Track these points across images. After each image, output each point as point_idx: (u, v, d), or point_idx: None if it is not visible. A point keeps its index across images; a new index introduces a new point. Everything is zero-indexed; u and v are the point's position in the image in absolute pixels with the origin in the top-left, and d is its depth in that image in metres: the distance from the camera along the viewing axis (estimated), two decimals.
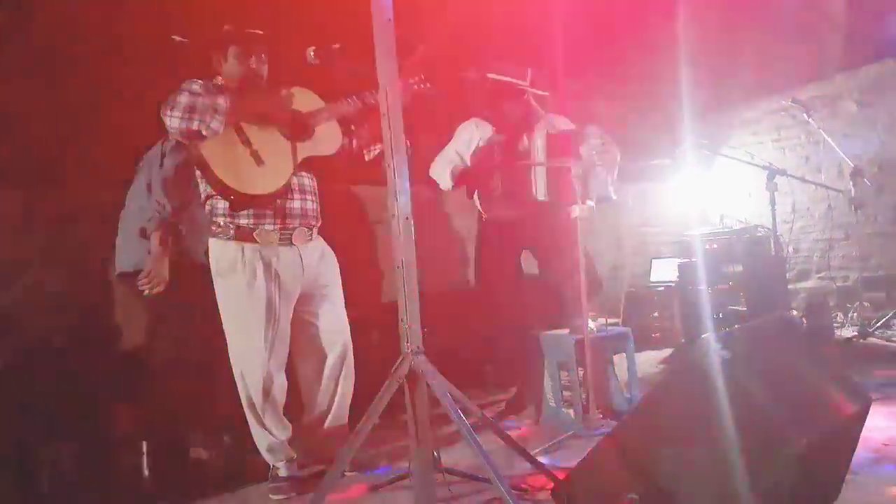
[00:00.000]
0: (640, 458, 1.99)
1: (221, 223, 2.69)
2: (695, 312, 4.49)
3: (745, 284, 4.42)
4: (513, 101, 3.56)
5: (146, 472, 2.85)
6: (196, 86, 2.59)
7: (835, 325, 4.98)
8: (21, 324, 3.25)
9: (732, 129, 6.50)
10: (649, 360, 4.59)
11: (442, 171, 3.64)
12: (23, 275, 3.31)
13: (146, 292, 2.83)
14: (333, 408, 2.89)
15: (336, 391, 2.89)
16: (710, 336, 1.96)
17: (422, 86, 2.94)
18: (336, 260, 2.95)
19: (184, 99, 2.51)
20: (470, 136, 3.62)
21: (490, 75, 3.55)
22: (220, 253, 2.69)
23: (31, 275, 3.32)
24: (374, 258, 4.47)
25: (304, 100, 2.79)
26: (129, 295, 3.03)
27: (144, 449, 2.86)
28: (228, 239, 2.68)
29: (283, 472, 2.78)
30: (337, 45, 2.80)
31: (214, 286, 2.71)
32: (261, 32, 2.78)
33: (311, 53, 2.73)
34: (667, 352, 4.95)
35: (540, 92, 3.69)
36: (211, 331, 3.02)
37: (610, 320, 3.61)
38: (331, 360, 2.87)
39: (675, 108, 5.42)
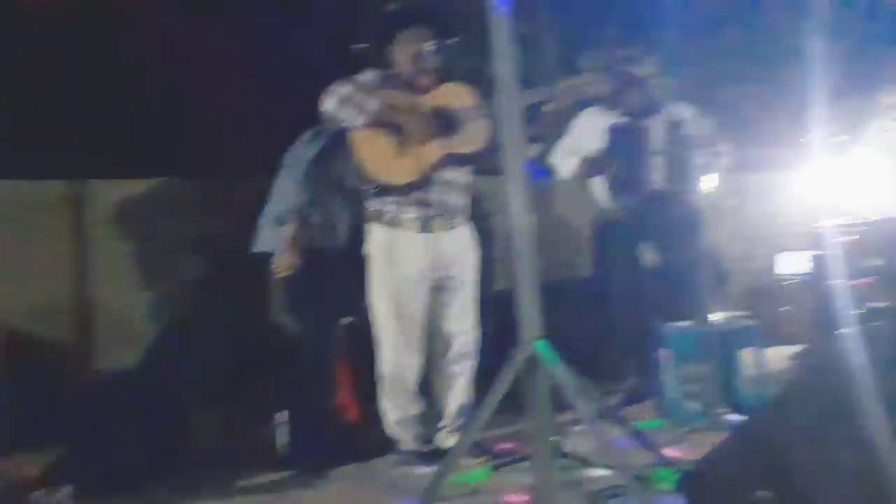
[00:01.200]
0: (773, 455, 1.92)
1: (371, 208, 2.88)
2: (829, 308, 4.23)
3: (887, 279, 4.13)
4: (635, 90, 3.49)
5: (286, 441, 3.02)
6: (362, 77, 2.79)
7: None
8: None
9: (871, 114, 6.05)
10: (778, 356, 4.38)
11: (562, 161, 3.63)
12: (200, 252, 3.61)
13: (276, 275, 3.01)
14: (447, 388, 2.98)
15: (454, 385, 2.97)
16: (849, 331, 1.87)
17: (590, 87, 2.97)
18: (476, 250, 3.02)
19: (341, 89, 2.74)
20: (590, 125, 3.58)
21: (611, 64, 3.50)
22: (370, 236, 2.90)
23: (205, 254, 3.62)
24: (490, 246, 4.51)
25: (458, 96, 2.86)
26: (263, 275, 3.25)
27: (283, 418, 3.03)
28: (376, 224, 2.87)
29: (407, 447, 2.93)
30: (455, 40, 2.86)
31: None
32: (418, 31, 2.86)
33: (429, 48, 2.81)
34: (797, 347, 4.70)
35: (663, 79, 3.61)
36: (339, 312, 3.21)
37: (736, 313, 3.48)
38: (446, 344, 2.96)
39: (806, 92, 5.12)
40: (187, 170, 3.70)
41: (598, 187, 3.65)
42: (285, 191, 3.09)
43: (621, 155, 3.46)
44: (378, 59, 2.93)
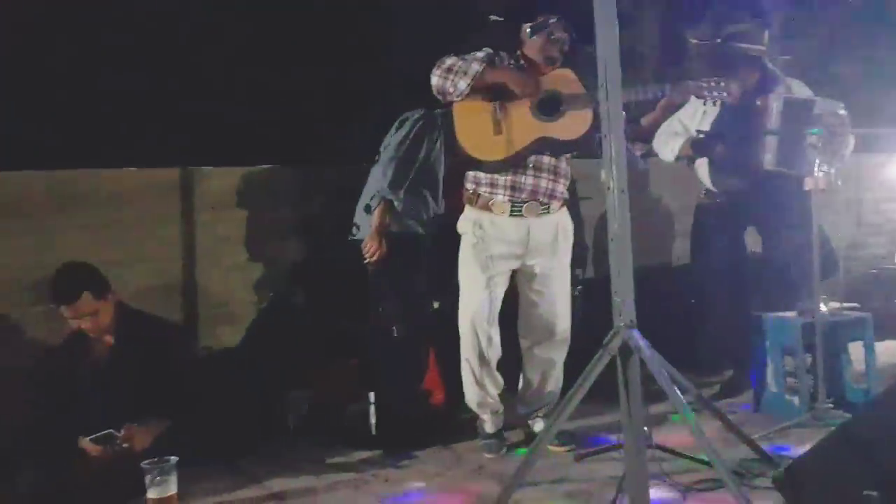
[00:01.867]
0: (882, 453, 1.82)
1: (470, 190, 2.92)
2: None
3: None
4: (747, 67, 3.32)
5: (371, 422, 3.12)
6: (480, 53, 2.83)
7: None
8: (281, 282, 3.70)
9: None
10: (893, 350, 4.11)
11: (665, 143, 3.51)
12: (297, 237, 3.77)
13: (366, 260, 3.09)
14: (534, 373, 2.98)
15: (545, 371, 2.97)
16: None
17: (717, 89, 2.77)
18: (571, 237, 3.00)
19: (449, 60, 2.80)
20: (698, 105, 3.44)
21: (723, 41, 3.34)
22: (465, 215, 2.95)
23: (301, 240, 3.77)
24: (582, 232, 4.44)
25: (566, 82, 2.84)
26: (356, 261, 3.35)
27: (371, 399, 3.12)
28: (471, 205, 2.91)
29: (489, 428, 2.96)
30: (553, 19, 2.82)
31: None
32: (556, 19, 2.87)
33: (528, 29, 2.79)
34: None
35: (779, 56, 3.42)
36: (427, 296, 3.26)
37: (846, 304, 3.28)
38: (535, 328, 2.96)
39: None
40: (289, 157, 3.85)
41: (704, 169, 3.51)
42: (375, 178, 3.16)
43: (730, 135, 3.31)
44: (500, 35, 2.96)
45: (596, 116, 2.84)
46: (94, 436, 2.59)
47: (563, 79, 2.84)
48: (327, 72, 4.13)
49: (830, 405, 2.84)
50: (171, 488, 2.18)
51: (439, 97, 2.84)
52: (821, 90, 3.47)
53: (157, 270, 3.43)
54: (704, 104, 2.88)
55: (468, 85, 2.75)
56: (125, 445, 2.59)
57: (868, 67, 5.46)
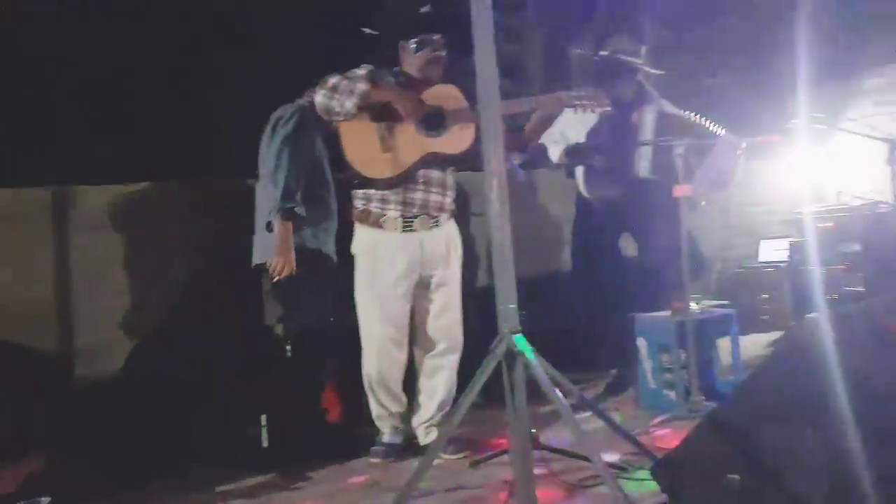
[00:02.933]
0: (743, 438, 1.96)
1: (360, 208, 2.92)
2: (807, 294, 4.29)
3: (864, 264, 4.19)
4: (625, 80, 3.51)
5: (266, 442, 3.04)
6: (360, 70, 2.83)
7: None
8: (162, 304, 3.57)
9: (852, 99, 6.10)
10: (758, 343, 4.43)
11: (549, 148, 3.65)
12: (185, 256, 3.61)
13: (275, 279, 2.98)
14: (427, 383, 3.00)
15: (436, 380, 2.99)
16: (818, 315, 1.91)
17: (586, 103, 2.90)
18: (460, 247, 3.05)
19: (333, 80, 2.79)
20: (576, 115, 3.61)
21: (602, 52, 3.52)
22: (357, 235, 2.95)
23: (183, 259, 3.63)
24: (473, 242, 4.54)
25: (449, 97, 2.89)
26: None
27: (264, 421, 3.05)
28: (362, 223, 2.91)
29: (385, 439, 2.98)
30: (435, 36, 2.88)
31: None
32: (439, 36, 2.91)
33: (412, 46, 2.86)
34: (776, 334, 4.76)
35: (654, 71, 3.63)
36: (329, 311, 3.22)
37: (715, 302, 3.52)
38: (428, 339, 2.99)
39: (788, 78, 5.15)
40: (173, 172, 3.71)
41: (581, 177, 3.67)
42: (265, 194, 3.06)
43: (605, 144, 3.48)
44: (378, 52, 2.98)
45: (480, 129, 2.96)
46: None
47: (445, 94, 2.89)
48: (205, 84, 4.03)
49: (703, 398, 3.04)
50: None
51: (325, 116, 2.84)
52: (693, 102, 3.72)
53: (28, 298, 3.22)
54: (575, 112, 3.00)
55: (355, 105, 2.76)
56: None
57: (732, 78, 5.87)
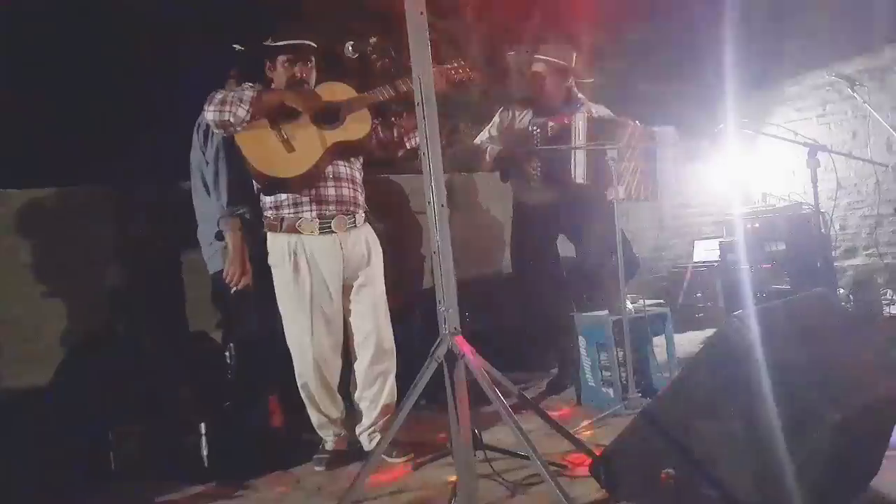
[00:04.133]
0: (675, 432, 2.03)
1: (271, 216, 2.86)
2: (737, 292, 4.47)
3: (788, 263, 4.38)
4: (555, 83, 3.58)
5: (205, 452, 2.98)
6: (244, 87, 2.78)
7: (884, 302, 4.88)
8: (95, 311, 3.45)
9: (776, 105, 6.37)
10: (692, 340, 4.57)
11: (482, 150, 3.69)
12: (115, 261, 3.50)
13: (233, 289, 2.94)
14: (366, 388, 2.99)
15: (375, 384, 2.98)
16: (743, 312, 1.99)
17: (461, 73, 2.99)
18: (380, 248, 3.04)
19: (219, 95, 2.73)
20: (506, 118, 3.67)
21: (537, 56, 3.59)
22: (271, 245, 2.88)
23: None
24: (419, 244, 4.56)
25: (339, 91, 2.91)
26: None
27: (203, 430, 2.99)
28: (276, 231, 2.84)
29: (328, 447, 2.97)
30: (374, 39, 2.89)
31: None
32: (309, 43, 2.92)
33: (350, 48, 2.85)
34: (710, 331, 4.91)
35: (584, 80, 3.72)
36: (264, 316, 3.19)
37: (651, 301, 3.63)
38: (359, 343, 2.97)
39: (717, 86, 5.35)
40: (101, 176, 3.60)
41: (517, 182, 3.73)
42: (207, 204, 3.01)
43: (540, 150, 3.54)
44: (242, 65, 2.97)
45: (387, 114, 3.00)
46: None
47: (333, 89, 2.91)
48: (127, 89, 3.92)
49: (640, 394, 3.13)
50: None
51: (220, 131, 2.78)
52: (628, 107, 3.82)
53: None
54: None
55: (248, 112, 2.71)
56: None
57: (663, 85, 6.04)
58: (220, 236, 2.96)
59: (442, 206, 2.28)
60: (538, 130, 3.51)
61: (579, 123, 3.46)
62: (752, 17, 5.63)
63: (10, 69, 3.65)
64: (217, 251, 3.04)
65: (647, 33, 5.84)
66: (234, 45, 2.98)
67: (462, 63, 3.00)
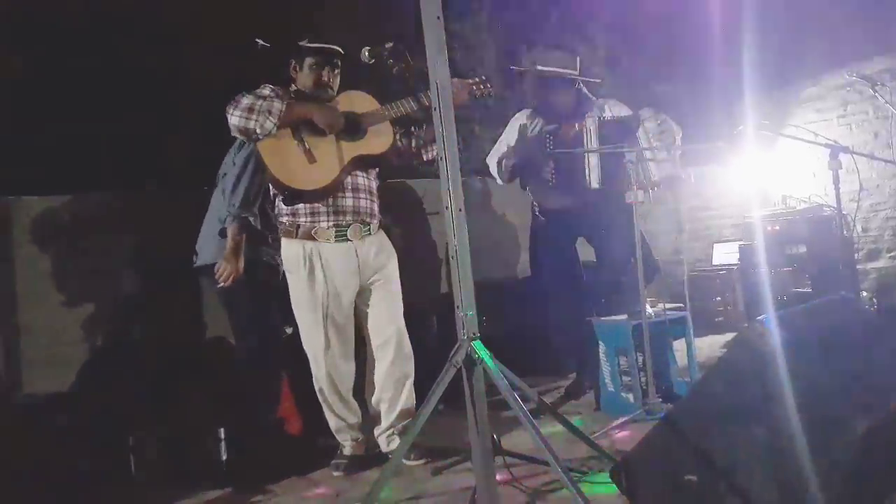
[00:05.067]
0: (697, 438, 2.00)
1: (287, 223, 2.87)
2: (757, 295, 4.42)
3: (809, 266, 4.32)
4: (562, 91, 3.56)
5: (223, 457, 3.00)
6: (265, 90, 2.78)
7: None
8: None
9: (795, 107, 6.30)
10: (712, 344, 4.54)
11: (495, 164, 3.69)
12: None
13: (220, 284, 2.97)
14: (385, 392, 2.98)
15: (393, 388, 2.97)
16: (766, 317, 1.96)
17: (482, 89, 3.00)
18: (394, 254, 3.05)
19: (245, 100, 2.72)
20: (521, 129, 3.65)
21: (538, 67, 3.56)
22: (286, 251, 2.89)
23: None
24: (434, 249, 4.56)
25: (360, 102, 2.93)
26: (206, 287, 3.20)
27: (222, 435, 3.00)
28: (292, 237, 2.85)
29: (346, 451, 2.96)
30: (389, 45, 2.89)
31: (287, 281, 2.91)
32: (336, 48, 2.93)
33: (366, 53, 2.85)
34: (730, 335, 4.88)
35: (592, 80, 3.69)
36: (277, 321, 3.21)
37: (671, 305, 3.59)
38: (378, 347, 2.97)
39: (735, 87, 5.30)
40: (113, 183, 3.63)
41: (534, 189, 3.71)
42: (221, 201, 3.06)
43: (554, 156, 3.52)
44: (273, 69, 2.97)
45: (406, 124, 3.01)
46: None
47: (355, 99, 2.92)
48: (147, 97, 3.96)
49: (660, 399, 3.10)
50: None
51: (242, 137, 2.80)
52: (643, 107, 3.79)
53: None
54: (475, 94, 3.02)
55: (275, 124, 2.73)
56: None
57: (682, 86, 6.01)
58: (223, 233, 3.00)
59: (459, 210, 2.27)
60: (550, 137, 3.50)
61: (590, 127, 3.43)
62: (770, 18, 5.58)
63: (27, 79, 3.70)
64: (212, 244, 3.07)
65: (665, 35, 5.82)
66: (258, 41, 2.99)
67: (484, 79, 3.02)
